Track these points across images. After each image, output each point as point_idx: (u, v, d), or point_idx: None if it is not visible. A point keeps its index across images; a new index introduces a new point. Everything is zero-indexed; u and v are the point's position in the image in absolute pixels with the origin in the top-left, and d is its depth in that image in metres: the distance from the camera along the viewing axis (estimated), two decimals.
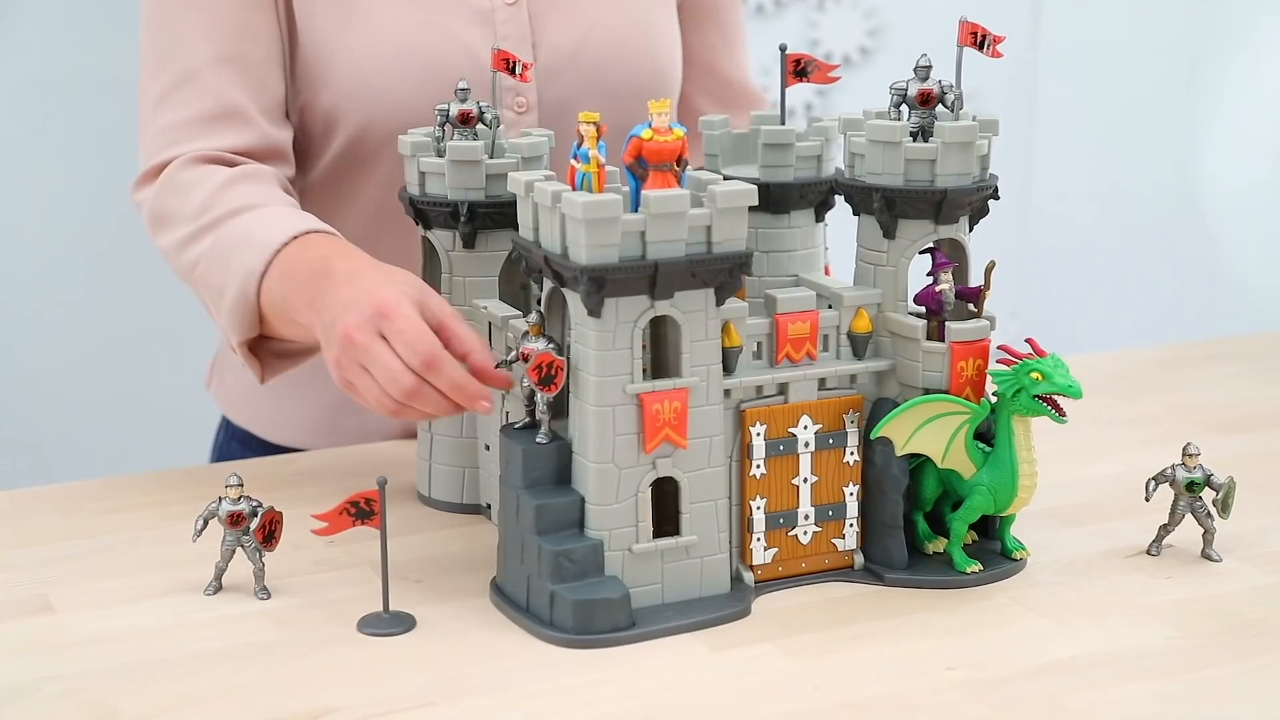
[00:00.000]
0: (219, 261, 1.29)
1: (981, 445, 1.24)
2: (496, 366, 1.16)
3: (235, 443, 1.57)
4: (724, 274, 1.16)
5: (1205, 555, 1.30)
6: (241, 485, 1.21)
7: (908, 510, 1.27)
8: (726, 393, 1.20)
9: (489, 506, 1.37)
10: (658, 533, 1.20)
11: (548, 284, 1.19)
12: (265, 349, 1.34)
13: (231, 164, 1.37)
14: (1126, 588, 1.24)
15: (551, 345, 1.14)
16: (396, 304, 1.13)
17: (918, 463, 1.26)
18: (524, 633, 1.16)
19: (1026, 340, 1.23)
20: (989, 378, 1.23)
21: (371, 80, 1.39)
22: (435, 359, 1.12)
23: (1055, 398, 1.20)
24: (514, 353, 1.16)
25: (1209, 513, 1.30)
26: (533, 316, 1.14)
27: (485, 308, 1.33)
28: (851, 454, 1.25)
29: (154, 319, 2.36)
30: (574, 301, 1.15)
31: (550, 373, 1.12)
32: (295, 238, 1.26)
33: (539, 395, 1.14)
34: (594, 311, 1.13)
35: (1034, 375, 1.19)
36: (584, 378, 1.15)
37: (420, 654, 1.14)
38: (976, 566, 1.24)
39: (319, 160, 1.44)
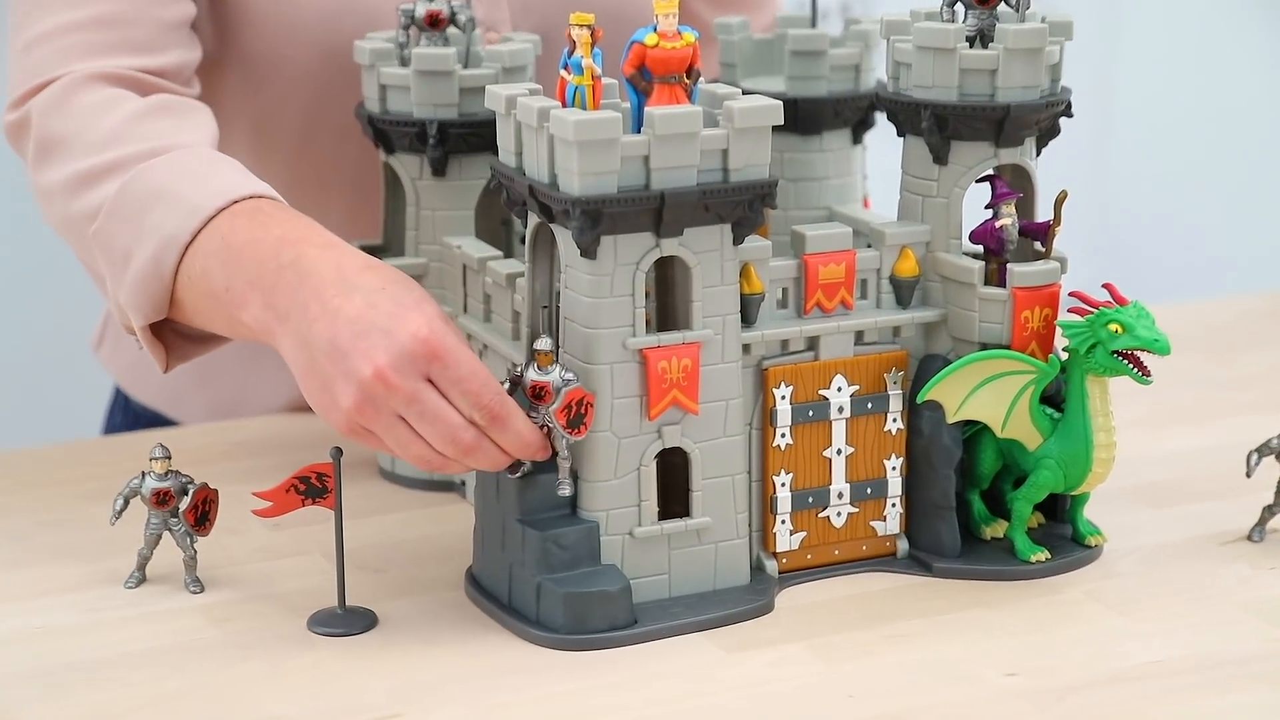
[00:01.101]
0: (127, 218, 1.13)
1: (1049, 411, 1.23)
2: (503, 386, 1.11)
3: (129, 418, 1.50)
4: (743, 207, 1.14)
5: None
6: (169, 458, 1.20)
7: (961, 488, 1.26)
8: (746, 348, 1.19)
9: (463, 483, 1.36)
10: (664, 514, 1.19)
11: (533, 219, 1.18)
12: (170, 328, 1.20)
13: (144, 89, 1.23)
14: (1223, 580, 1.23)
15: (571, 376, 1.10)
16: (443, 339, 1.03)
17: (973, 431, 1.25)
18: (505, 632, 1.15)
19: (1104, 285, 1.21)
20: (1059, 330, 1.21)
21: None
22: (503, 412, 1.05)
23: (1138, 354, 1.19)
24: (522, 377, 1.10)
25: None
26: (544, 342, 1.10)
27: (459, 247, 1.31)
28: (894, 421, 1.24)
29: (30, 260, 2.29)
30: (564, 240, 1.14)
31: (580, 412, 1.09)
32: (236, 202, 1.12)
33: (562, 438, 1.10)
34: (588, 252, 1.12)
35: (1112, 327, 1.18)
36: (576, 331, 1.14)
37: (382, 657, 1.13)
38: (1043, 555, 1.23)
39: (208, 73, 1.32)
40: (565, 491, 1.08)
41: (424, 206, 1.33)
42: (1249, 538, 1.29)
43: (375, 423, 1.06)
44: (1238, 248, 2.96)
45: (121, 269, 1.16)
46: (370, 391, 1.05)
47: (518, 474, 1.12)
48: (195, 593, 1.20)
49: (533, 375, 1.10)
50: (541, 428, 1.10)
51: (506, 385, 1.11)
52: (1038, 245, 1.24)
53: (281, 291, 1.07)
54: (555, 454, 1.12)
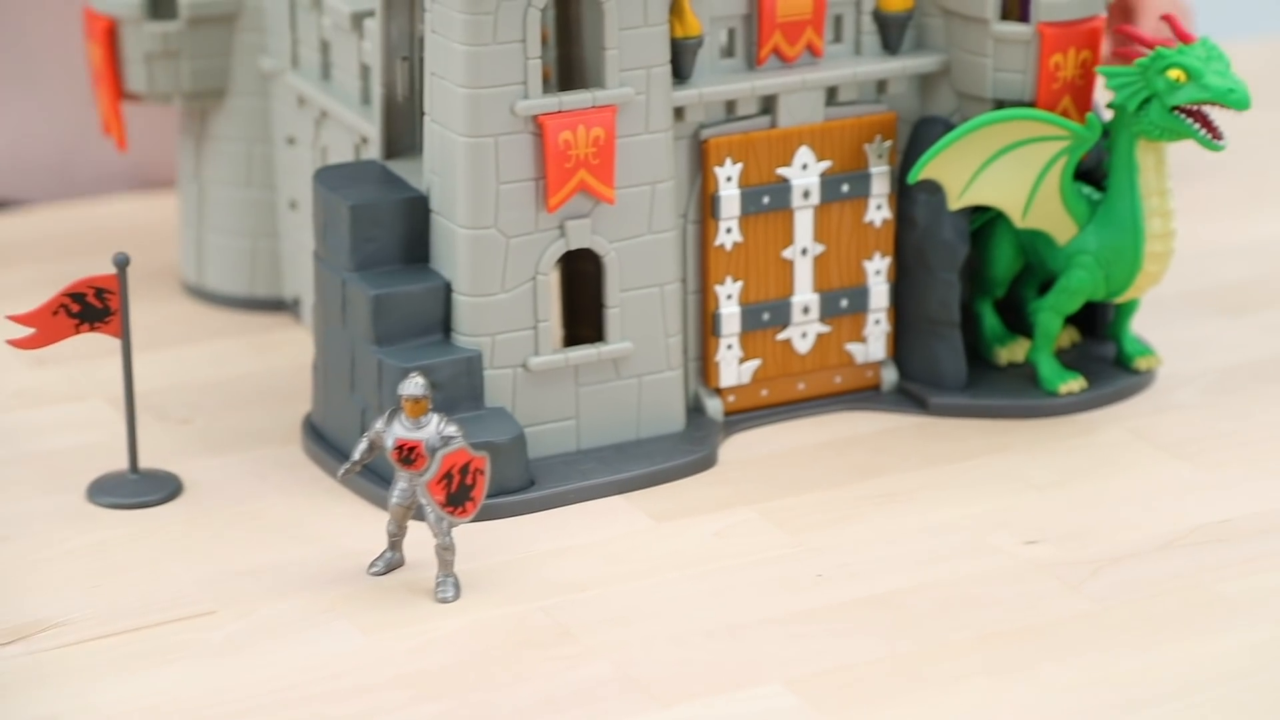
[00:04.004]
0: None
1: (1087, 190, 1.26)
2: (342, 475, 1.12)
3: None
4: None
5: None
6: None
7: (968, 298, 1.29)
8: (678, 113, 1.20)
9: (297, 302, 1.38)
10: (570, 339, 1.21)
11: None
12: None
13: None
14: None
15: (453, 432, 1.07)
16: None
17: (984, 221, 1.28)
18: (358, 498, 1.18)
19: (1163, 18, 1.23)
20: (1100, 80, 1.23)
21: None
22: None
23: (1206, 110, 1.21)
24: (382, 440, 1.08)
25: None
26: (414, 385, 1.07)
27: None
28: (878, 208, 1.26)
29: None
30: None
31: (466, 482, 1.07)
32: None
33: (442, 520, 1.08)
34: None
35: (1172, 74, 1.20)
36: (448, 90, 1.15)
37: (191, 536, 1.15)
38: (1076, 383, 1.27)
39: None
40: (447, 595, 1.09)
41: None
42: None
43: None
44: None
45: None
46: None
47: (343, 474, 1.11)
48: None
49: (399, 431, 1.09)
50: (408, 505, 1.10)
51: (363, 445, 1.10)
52: None
53: None
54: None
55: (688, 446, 1.22)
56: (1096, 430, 1.25)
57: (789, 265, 1.25)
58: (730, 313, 1.24)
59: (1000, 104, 1.24)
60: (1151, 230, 1.22)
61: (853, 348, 1.27)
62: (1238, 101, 1.19)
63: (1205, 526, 1.15)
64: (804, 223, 1.24)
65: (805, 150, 1.23)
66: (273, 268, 1.39)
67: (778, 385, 1.26)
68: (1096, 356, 1.31)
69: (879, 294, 1.27)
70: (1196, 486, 1.19)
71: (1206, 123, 1.20)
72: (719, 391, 1.25)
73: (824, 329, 1.26)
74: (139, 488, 1.19)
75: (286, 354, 1.33)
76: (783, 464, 1.22)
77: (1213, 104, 1.20)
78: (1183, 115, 1.20)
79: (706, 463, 1.21)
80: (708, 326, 1.24)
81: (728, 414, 1.25)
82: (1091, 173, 1.27)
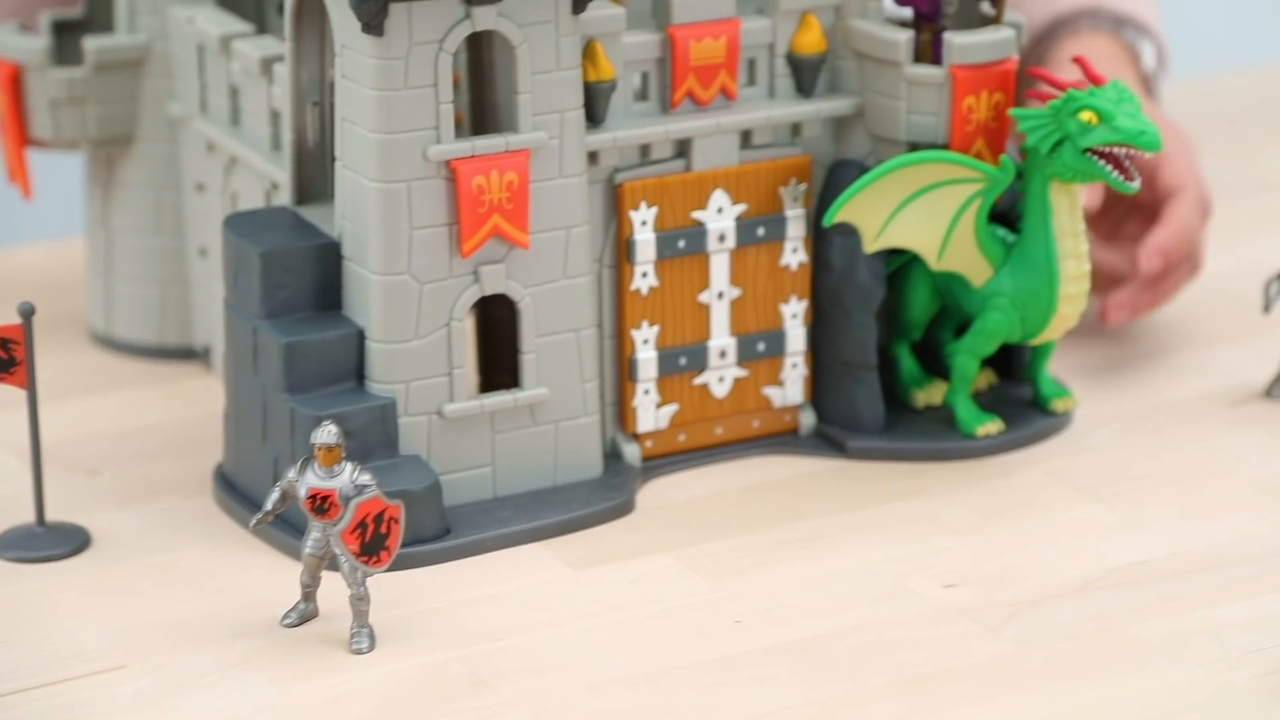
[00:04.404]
0: None
1: (1001, 233, 1.27)
2: (254, 525, 1.12)
3: None
4: None
5: None
6: None
7: (885, 341, 1.30)
8: (593, 157, 1.21)
9: (208, 350, 1.38)
10: (485, 385, 1.21)
11: None
12: None
13: None
14: (1230, 452, 1.28)
15: (367, 480, 1.07)
16: None
17: (899, 263, 1.29)
18: (271, 549, 1.18)
19: (1074, 60, 1.24)
20: (1014, 122, 1.24)
21: None
22: None
23: (1117, 152, 1.22)
24: (295, 490, 1.07)
25: None
26: (327, 433, 1.07)
27: (192, 20, 1.31)
28: (794, 252, 1.26)
29: None
30: (339, 10, 1.14)
31: (381, 531, 1.06)
32: None
33: (356, 571, 1.07)
34: (372, 26, 1.12)
35: (1084, 116, 1.21)
36: (359, 135, 1.15)
37: (100, 588, 1.14)
38: (994, 425, 1.28)
39: None
40: (362, 646, 1.08)
41: None
42: (1267, 394, 1.35)
43: None
44: (1256, 3, 2.99)
45: None
46: None
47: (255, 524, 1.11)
48: None
49: (312, 480, 1.08)
50: (322, 555, 1.09)
51: (275, 496, 1.09)
52: (985, 6, 1.26)
53: None
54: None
55: (605, 493, 1.21)
56: (1014, 473, 1.26)
57: (705, 309, 1.25)
58: (647, 357, 1.24)
59: (914, 146, 1.25)
60: (1066, 272, 1.23)
61: (770, 391, 1.28)
62: (1149, 144, 1.20)
63: (1123, 568, 1.16)
64: (720, 266, 1.25)
65: (720, 194, 1.24)
66: (182, 316, 1.38)
67: (695, 430, 1.26)
68: (1014, 399, 1.31)
69: (796, 337, 1.27)
70: (1114, 528, 1.20)
71: (1119, 165, 1.21)
72: (636, 437, 1.25)
73: (741, 373, 1.27)
74: (46, 541, 1.18)
75: (197, 403, 1.33)
76: (701, 509, 1.22)
77: (1125, 146, 1.20)
78: (1095, 157, 1.21)
79: (624, 509, 1.21)
80: (624, 371, 1.24)
81: (645, 459, 1.25)
82: (1007, 215, 1.27)
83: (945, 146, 1.24)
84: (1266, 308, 1.33)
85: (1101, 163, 1.21)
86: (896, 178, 1.22)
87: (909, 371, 1.30)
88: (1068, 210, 1.23)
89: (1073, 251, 1.23)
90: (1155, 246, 1.31)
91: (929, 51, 1.24)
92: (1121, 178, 1.21)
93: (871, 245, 1.24)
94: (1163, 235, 1.32)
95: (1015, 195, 1.26)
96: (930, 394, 1.30)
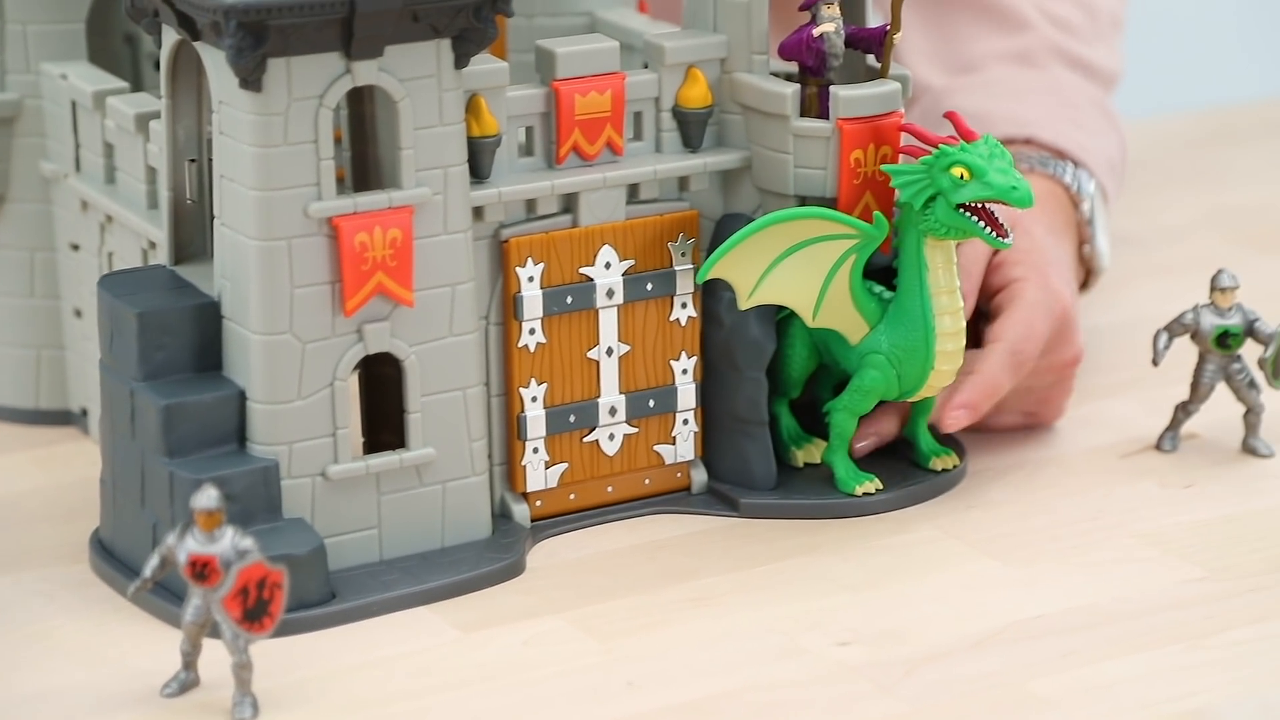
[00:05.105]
0: None
1: (878, 289, 1.27)
2: (133, 593, 1.10)
3: None
4: (466, 14, 1.15)
5: (1248, 448, 1.35)
6: None
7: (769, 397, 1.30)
8: (478, 212, 1.20)
9: (85, 413, 1.36)
10: (370, 446, 1.20)
11: (169, 36, 1.17)
12: None
13: None
14: (1123, 505, 1.29)
15: (248, 545, 1.05)
16: None
17: (778, 320, 1.28)
18: (150, 617, 1.16)
19: (946, 115, 1.25)
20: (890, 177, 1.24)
21: None
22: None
23: (990, 207, 1.22)
24: (174, 556, 1.06)
25: (1252, 381, 1.35)
26: (207, 497, 1.06)
27: (64, 77, 1.30)
28: (683, 307, 1.26)
29: None
30: (215, 65, 1.14)
31: (263, 597, 1.05)
32: None
33: (239, 638, 1.06)
34: (250, 82, 1.12)
35: (955, 171, 1.21)
36: (238, 193, 1.14)
37: None
38: (872, 484, 1.28)
39: None
40: (244, 715, 1.06)
41: (10, 19, 1.32)
42: (1158, 447, 1.36)
43: None
44: (1164, 52, 3.02)
45: None
46: None
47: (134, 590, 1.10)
48: None
49: (193, 545, 1.07)
50: (203, 623, 1.08)
51: (154, 562, 1.08)
52: (872, 59, 1.27)
53: None
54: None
55: (494, 554, 1.21)
56: (908, 528, 1.26)
57: (594, 366, 1.25)
58: (535, 415, 1.23)
59: (803, 200, 1.25)
60: (942, 329, 1.24)
61: (661, 449, 1.27)
62: (1020, 199, 1.21)
63: (1017, 624, 1.16)
64: (609, 322, 1.24)
65: (608, 249, 1.23)
66: (58, 379, 1.37)
67: (586, 488, 1.26)
68: (896, 458, 1.31)
69: (687, 394, 1.27)
70: (1008, 583, 1.20)
71: (992, 220, 1.22)
72: (526, 496, 1.25)
73: (632, 430, 1.26)
74: None
75: (73, 468, 1.31)
76: (592, 569, 1.21)
77: (997, 201, 1.21)
78: (967, 213, 1.21)
79: (514, 570, 1.21)
80: (513, 430, 1.23)
81: (535, 519, 1.25)
82: (885, 271, 1.27)
83: (833, 200, 1.24)
84: (1157, 360, 1.34)
85: (974, 218, 1.21)
86: (769, 234, 1.23)
87: (788, 429, 1.30)
88: (943, 266, 1.23)
89: (949, 308, 1.24)
90: (960, 402, 1.27)
91: (816, 105, 1.25)
92: (994, 234, 1.21)
93: (745, 302, 1.24)
94: (967, 393, 1.27)
95: (889, 252, 1.26)
96: (809, 452, 1.30)
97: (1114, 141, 1.53)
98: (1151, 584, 1.20)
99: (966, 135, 1.22)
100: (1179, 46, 3.05)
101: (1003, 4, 1.57)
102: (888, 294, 1.26)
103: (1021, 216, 1.33)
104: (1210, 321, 1.33)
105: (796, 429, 1.30)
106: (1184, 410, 1.35)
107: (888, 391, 1.25)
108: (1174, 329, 1.34)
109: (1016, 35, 1.55)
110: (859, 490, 1.27)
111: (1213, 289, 1.33)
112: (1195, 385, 1.35)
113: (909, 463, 1.30)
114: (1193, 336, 1.34)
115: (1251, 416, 1.35)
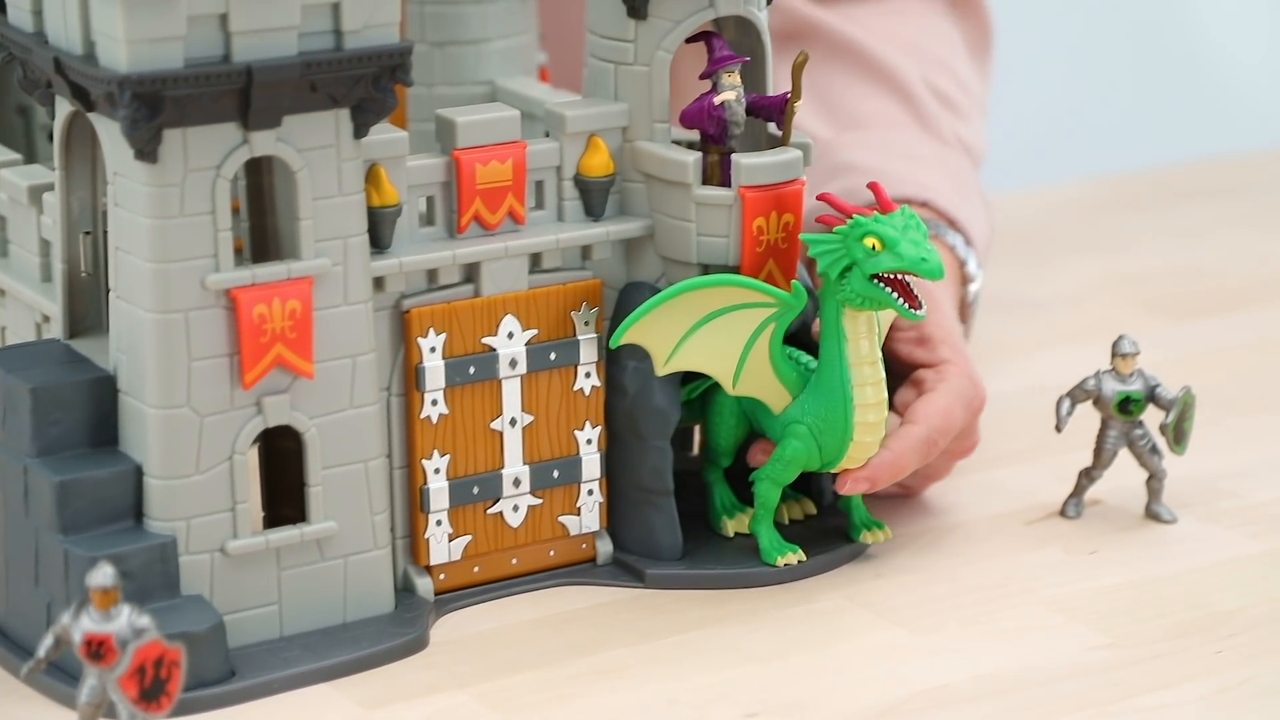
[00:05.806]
0: None
1: (799, 357, 1.27)
2: (26, 673, 1.10)
3: None
4: (365, 84, 1.15)
5: (1151, 514, 1.36)
6: None
7: (698, 467, 1.30)
8: (378, 283, 1.20)
9: None
10: (271, 520, 1.19)
11: (63, 107, 1.17)
12: None
13: None
14: (1028, 572, 1.29)
15: (144, 624, 1.04)
16: None
17: (704, 387, 1.28)
18: (44, 698, 1.15)
19: (869, 186, 1.25)
20: (804, 247, 1.25)
21: None
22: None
23: (904, 278, 1.23)
24: (69, 635, 1.05)
25: (1154, 447, 1.36)
26: (103, 575, 1.04)
27: None
28: (587, 376, 1.26)
29: None
30: (110, 137, 1.13)
31: (160, 676, 1.04)
32: None
33: (133, 716, 1.04)
34: (145, 153, 1.11)
35: (868, 242, 1.22)
36: (133, 265, 1.13)
37: None
38: (795, 555, 1.27)
39: None
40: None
41: None
42: (1062, 513, 1.36)
43: None
44: (1064, 119, 3.05)
45: None
46: None
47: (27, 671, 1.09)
48: None
49: (88, 624, 1.05)
50: (99, 703, 1.06)
51: (48, 642, 1.06)
52: (773, 127, 1.27)
53: None
54: None
55: (397, 629, 1.20)
56: (815, 598, 1.26)
57: (498, 436, 1.24)
58: (438, 487, 1.23)
59: (706, 268, 1.25)
60: (863, 399, 1.24)
61: (566, 520, 1.27)
62: (930, 271, 1.21)
63: (924, 692, 1.16)
64: (512, 393, 1.24)
65: (511, 319, 1.23)
66: None
67: (490, 561, 1.25)
68: (834, 527, 1.31)
69: (591, 464, 1.27)
70: (914, 651, 1.20)
71: (906, 291, 1.22)
72: (429, 569, 1.24)
73: (536, 501, 1.26)
74: None
75: None
76: (497, 643, 1.21)
77: (909, 273, 1.21)
78: (881, 284, 1.21)
79: (417, 645, 1.20)
80: (415, 502, 1.23)
81: (439, 593, 1.24)
82: (808, 339, 1.28)
83: (736, 268, 1.25)
84: (1059, 426, 1.35)
85: (887, 289, 1.21)
86: (687, 300, 1.23)
87: (722, 499, 1.30)
88: (865, 336, 1.24)
89: (870, 379, 1.24)
90: (863, 475, 1.26)
91: (718, 173, 1.25)
92: (908, 305, 1.22)
93: (662, 369, 1.24)
94: (872, 468, 1.26)
95: (810, 319, 1.27)
96: (741, 522, 1.30)
97: (986, 220, 1.54)
98: (1057, 651, 1.20)
99: (885, 206, 1.22)
100: (1075, 115, 3.09)
101: (888, 68, 1.58)
102: (813, 363, 1.25)
103: (933, 289, 1.33)
104: (1112, 387, 1.34)
105: (731, 499, 1.30)
106: (1087, 476, 1.36)
107: (809, 462, 1.25)
108: (1076, 395, 1.35)
109: (904, 102, 1.56)
110: (780, 561, 1.26)
111: (1114, 355, 1.34)
112: (1098, 451, 1.35)
113: (831, 532, 1.30)
114: (1095, 403, 1.34)
115: (1154, 482, 1.35)
